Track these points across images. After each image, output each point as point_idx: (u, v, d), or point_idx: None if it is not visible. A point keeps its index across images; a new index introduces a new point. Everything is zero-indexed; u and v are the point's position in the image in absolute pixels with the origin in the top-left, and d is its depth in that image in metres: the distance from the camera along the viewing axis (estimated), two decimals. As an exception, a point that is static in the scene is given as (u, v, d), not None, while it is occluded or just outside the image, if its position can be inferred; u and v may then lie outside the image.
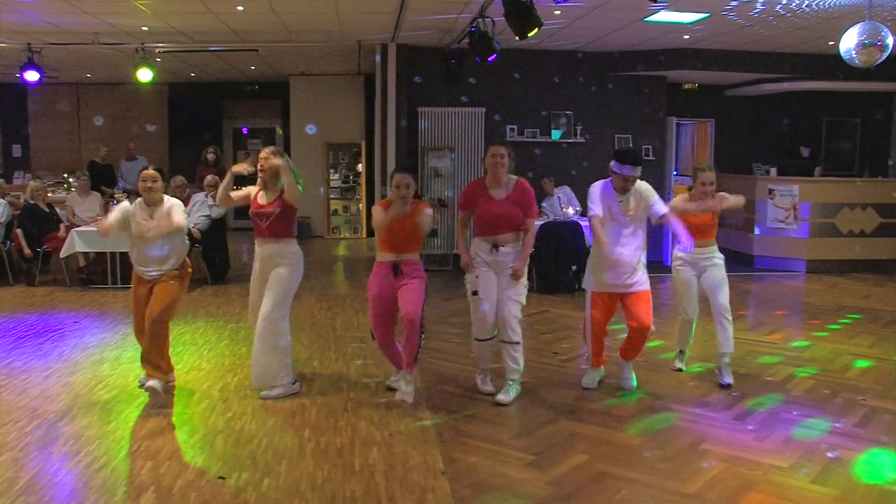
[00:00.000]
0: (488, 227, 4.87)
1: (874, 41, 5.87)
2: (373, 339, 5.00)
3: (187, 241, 5.10)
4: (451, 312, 7.39)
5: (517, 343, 4.88)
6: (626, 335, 5.05)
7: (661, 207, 4.95)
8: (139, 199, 4.93)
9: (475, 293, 4.88)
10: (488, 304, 4.85)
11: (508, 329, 4.85)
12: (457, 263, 9.89)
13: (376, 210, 4.77)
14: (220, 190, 5.01)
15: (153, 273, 4.85)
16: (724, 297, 5.25)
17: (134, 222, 4.84)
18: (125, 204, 5.05)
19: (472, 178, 10.18)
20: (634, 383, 5.16)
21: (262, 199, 4.93)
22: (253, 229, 5.00)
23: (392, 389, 4.97)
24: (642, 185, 4.95)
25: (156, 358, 4.79)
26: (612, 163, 4.88)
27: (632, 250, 4.89)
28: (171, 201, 4.91)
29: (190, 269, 5.08)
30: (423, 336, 4.71)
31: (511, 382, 4.92)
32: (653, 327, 4.92)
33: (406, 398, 4.72)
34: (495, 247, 4.84)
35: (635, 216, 4.92)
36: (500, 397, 4.87)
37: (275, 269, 4.86)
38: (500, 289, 4.88)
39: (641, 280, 4.93)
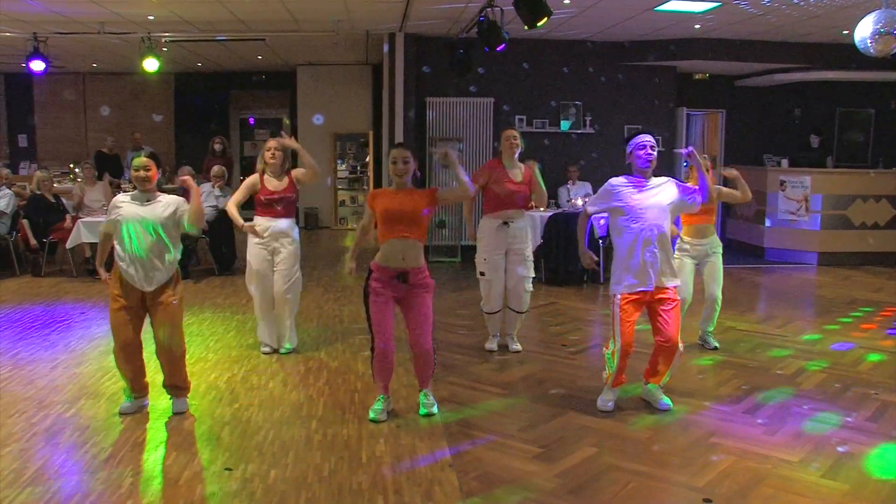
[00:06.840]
0: (504, 203, 5.46)
1: (890, 30, 5.75)
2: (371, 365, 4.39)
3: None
4: (459, 304, 7.35)
5: (524, 313, 5.73)
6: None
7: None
8: (122, 195, 4.36)
9: (482, 274, 5.59)
10: (497, 285, 5.56)
11: (521, 302, 5.62)
12: (466, 254, 9.86)
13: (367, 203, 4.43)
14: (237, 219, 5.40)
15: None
16: (717, 288, 5.71)
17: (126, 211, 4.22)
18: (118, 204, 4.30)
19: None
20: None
21: (271, 185, 5.44)
22: (257, 211, 5.46)
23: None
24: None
25: (181, 379, 4.44)
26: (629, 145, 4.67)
27: None
28: (170, 197, 4.29)
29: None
30: (435, 357, 4.42)
31: (515, 337, 5.79)
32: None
33: (432, 409, 4.40)
34: (505, 223, 5.47)
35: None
36: (515, 347, 5.76)
37: (285, 243, 5.47)
38: (512, 266, 5.54)
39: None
